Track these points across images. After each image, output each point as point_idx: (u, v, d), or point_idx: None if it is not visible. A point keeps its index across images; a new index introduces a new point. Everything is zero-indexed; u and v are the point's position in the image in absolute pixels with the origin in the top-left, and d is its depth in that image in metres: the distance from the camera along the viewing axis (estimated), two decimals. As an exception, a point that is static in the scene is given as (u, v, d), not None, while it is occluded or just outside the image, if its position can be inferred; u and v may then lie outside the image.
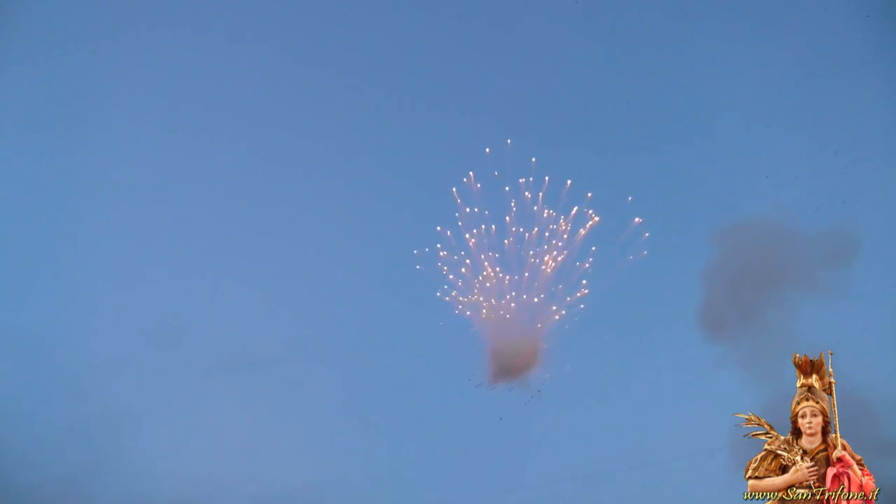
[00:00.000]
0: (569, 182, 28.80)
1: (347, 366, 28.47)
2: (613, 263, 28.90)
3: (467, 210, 29.08)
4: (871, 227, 26.50)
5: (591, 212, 28.98)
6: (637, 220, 28.77)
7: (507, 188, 29.10)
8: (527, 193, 28.86)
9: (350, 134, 29.76)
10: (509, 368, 29.21)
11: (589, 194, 28.87)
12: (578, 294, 29.16)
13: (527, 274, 29.34)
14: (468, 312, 29.39)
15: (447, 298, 29.44)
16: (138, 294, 27.77)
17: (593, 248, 29.12)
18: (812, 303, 26.39)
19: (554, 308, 29.35)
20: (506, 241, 29.31)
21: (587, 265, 29.12)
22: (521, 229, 29.29)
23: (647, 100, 29.53)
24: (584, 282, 29.32)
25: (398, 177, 29.92)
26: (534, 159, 28.88)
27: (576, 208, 29.00)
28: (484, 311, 29.25)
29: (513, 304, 29.50)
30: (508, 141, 28.74)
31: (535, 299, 29.30)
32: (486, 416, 28.33)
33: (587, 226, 29.01)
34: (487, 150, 28.52)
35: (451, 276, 29.39)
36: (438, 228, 29.12)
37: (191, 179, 28.78)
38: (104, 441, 25.42)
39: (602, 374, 28.34)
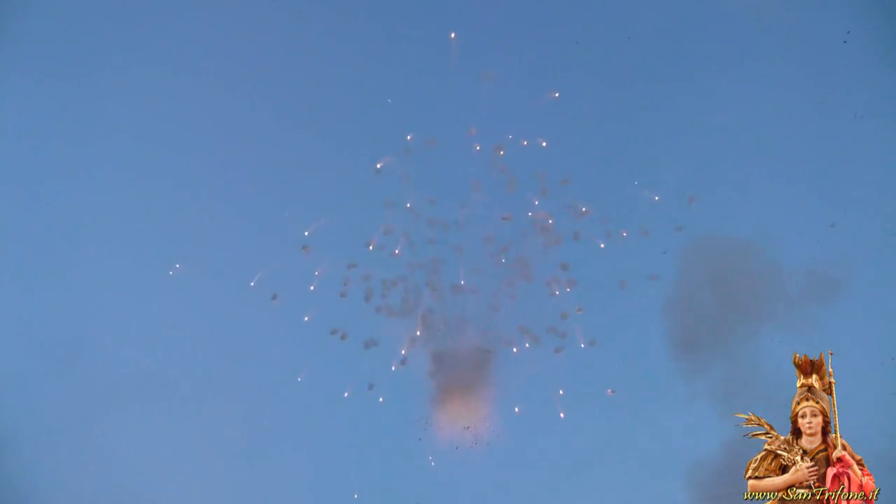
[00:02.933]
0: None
1: (254, 397, 26.30)
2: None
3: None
4: (859, 269, 25.28)
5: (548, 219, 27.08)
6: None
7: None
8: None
9: (260, 136, 27.37)
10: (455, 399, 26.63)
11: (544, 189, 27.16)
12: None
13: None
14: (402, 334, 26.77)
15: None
16: (34, 306, 26.01)
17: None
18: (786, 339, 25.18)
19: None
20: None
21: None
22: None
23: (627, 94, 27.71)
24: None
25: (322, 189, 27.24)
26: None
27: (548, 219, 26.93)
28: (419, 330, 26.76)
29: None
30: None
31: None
32: (412, 456, 25.87)
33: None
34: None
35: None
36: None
37: (93, 189, 26.70)
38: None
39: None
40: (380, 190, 26.59)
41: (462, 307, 26.48)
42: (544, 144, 26.31)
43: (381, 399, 25.65)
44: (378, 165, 26.03)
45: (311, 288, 25.90)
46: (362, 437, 25.99)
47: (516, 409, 25.81)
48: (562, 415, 25.24)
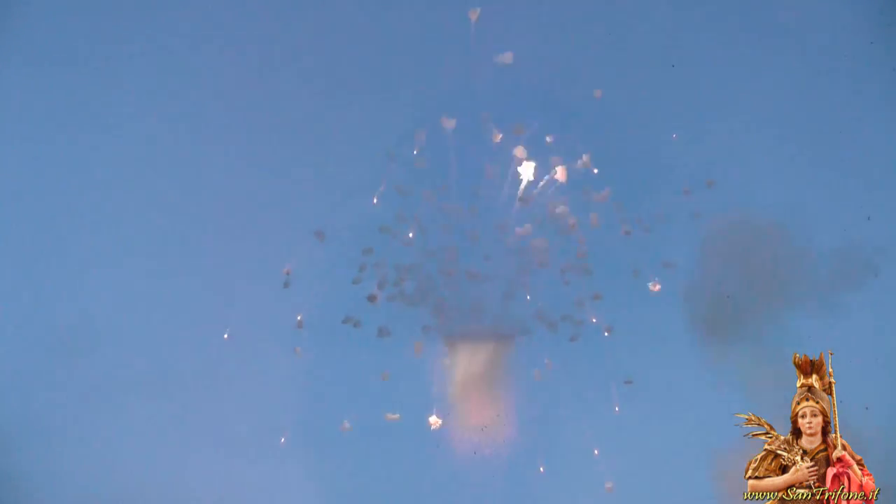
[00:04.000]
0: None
1: (257, 393, 26.02)
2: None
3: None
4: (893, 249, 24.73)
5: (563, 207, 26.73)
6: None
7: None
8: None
9: (267, 123, 27.16)
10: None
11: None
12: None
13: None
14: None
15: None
16: (41, 298, 26.07)
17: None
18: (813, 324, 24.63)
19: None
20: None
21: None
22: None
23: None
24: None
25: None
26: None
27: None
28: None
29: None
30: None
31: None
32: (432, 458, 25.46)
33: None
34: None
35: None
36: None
37: (101, 178, 26.70)
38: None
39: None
40: (392, 176, 26.61)
41: (476, 295, 26.47)
42: (585, 159, 26.19)
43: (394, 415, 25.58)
44: (380, 190, 26.01)
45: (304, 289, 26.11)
46: (373, 436, 26.01)
47: (539, 466, 25.65)
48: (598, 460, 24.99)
